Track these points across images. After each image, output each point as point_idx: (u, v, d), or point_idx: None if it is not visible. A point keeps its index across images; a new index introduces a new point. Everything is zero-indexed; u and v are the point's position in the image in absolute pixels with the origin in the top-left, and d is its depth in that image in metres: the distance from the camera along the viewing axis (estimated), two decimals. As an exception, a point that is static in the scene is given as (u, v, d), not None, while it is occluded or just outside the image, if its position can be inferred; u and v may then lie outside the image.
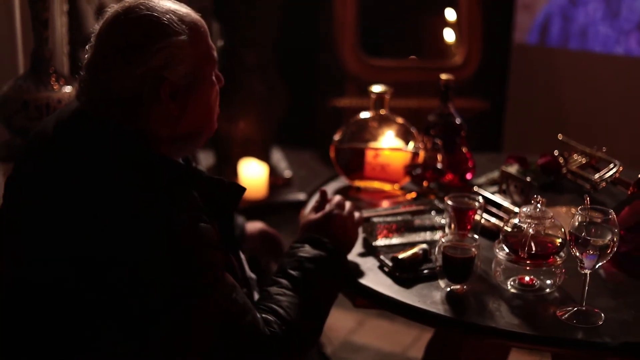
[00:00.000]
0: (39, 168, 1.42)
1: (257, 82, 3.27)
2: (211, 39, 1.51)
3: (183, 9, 1.45)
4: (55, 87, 2.39)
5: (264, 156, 3.44)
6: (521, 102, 4.09)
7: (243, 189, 1.54)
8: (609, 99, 3.80)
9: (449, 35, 4.06)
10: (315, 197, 1.83)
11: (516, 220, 1.62)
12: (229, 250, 1.54)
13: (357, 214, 1.75)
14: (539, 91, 4.01)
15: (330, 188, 2.12)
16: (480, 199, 1.74)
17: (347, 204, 1.74)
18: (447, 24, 4.06)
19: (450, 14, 4.04)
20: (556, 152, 2.21)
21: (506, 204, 1.91)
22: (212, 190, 1.47)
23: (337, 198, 1.74)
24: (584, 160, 2.19)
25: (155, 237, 1.31)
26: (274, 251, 2.05)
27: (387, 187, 2.13)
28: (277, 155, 3.75)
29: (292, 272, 1.56)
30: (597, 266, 1.50)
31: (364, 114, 2.16)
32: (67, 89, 2.41)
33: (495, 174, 2.19)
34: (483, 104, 3.92)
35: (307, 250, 1.60)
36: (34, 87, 2.36)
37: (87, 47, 1.44)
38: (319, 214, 1.70)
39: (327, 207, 1.71)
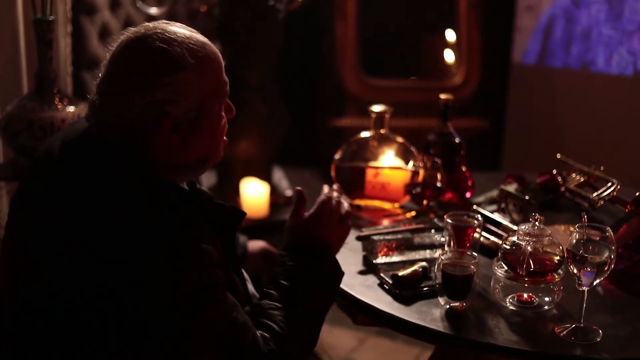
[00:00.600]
0: (46, 187, 1.44)
1: (259, 103, 3.30)
2: None
3: (199, 40, 1.45)
4: (59, 107, 2.41)
5: (265, 175, 3.46)
6: (520, 121, 4.11)
7: (243, 214, 1.55)
8: (607, 118, 3.82)
9: (449, 56, 4.10)
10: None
11: (515, 238, 1.63)
12: (232, 269, 1.55)
13: (345, 205, 1.71)
14: (537, 110, 4.04)
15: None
16: (479, 217, 1.76)
17: (333, 198, 1.69)
18: (446, 44, 4.10)
19: (449, 35, 4.08)
20: (554, 171, 2.23)
21: (505, 222, 1.93)
22: (214, 213, 1.49)
23: (322, 197, 1.69)
24: (582, 179, 2.21)
25: (157, 255, 1.32)
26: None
27: (387, 205, 2.15)
28: (278, 174, 3.77)
29: (282, 282, 1.54)
30: (594, 283, 1.52)
31: (365, 134, 2.18)
32: (71, 108, 2.43)
33: (494, 193, 2.21)
34: (482, 123, 3.96)
35: (294, 258, 1.58)
36: (38, 107, 2.38)
37: (101, 65, 1.46)
38: (305, 217, 1.66)
39: (313, 209, 1.67)
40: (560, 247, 1.62)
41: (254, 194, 3.30)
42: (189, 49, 1.42)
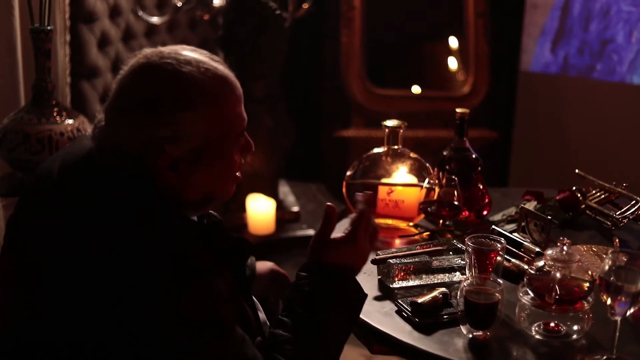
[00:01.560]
0: (44, 214, 1.36)
1: (265, 115, 3.19)
2: None
3: (216, 73, 1.34)
4: (57, 120, 2.35)
5: (271, 191, 3.36)
6: (528, 131, 4.03)
7: (251, 247, 1.45)
8: (620, 128, 3.73)
9: (457, 65, 4.01)
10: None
11: (541, 263, 1.55)
12: (242, 297, 1.46)
13: (374, 222, 1.55)
14: (546, 120, 3.96)
15: (340, 225, 2.03)
16: (502, 239, 1.67)
17: (366, 216, 1.53)
18: (454, 53, 4.01)
19: (457, 44, 3.99)
20: (574, 187, 2.14)
21: (526, 242, 1.84)
22: (222, 242, 1.40)
23: (356, 215, 1.53)
24: (602, 196, 2.12)
25: (162, 289, 1.24)
26: (282, 292, 1.97)
27: (401, 224, 2.06)
28: (284, 189, 3.68)
29: (298, 310, 1.44)
30: (628, 313, 1.43)
31: (377, 149, 2.09)
32: (70, 121, 2.37)
33: (511, 210, 2.12)
34: (490, 134, 3.86)
35: (313, 282, 1.46)
36: (35, 120, 2.33)
37: (112, 82, 1.37)
38: (334, 239, 1.50)
39: (346, 231, 1.52)
40: (590, 273, 1.54)
41: (259, 211, 3.20)
42: (201, 85, 1.32)
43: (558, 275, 1.51)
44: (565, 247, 1.53)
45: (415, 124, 3.68)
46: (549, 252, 1.54)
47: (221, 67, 1.37)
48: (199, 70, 1.33)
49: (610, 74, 3.67)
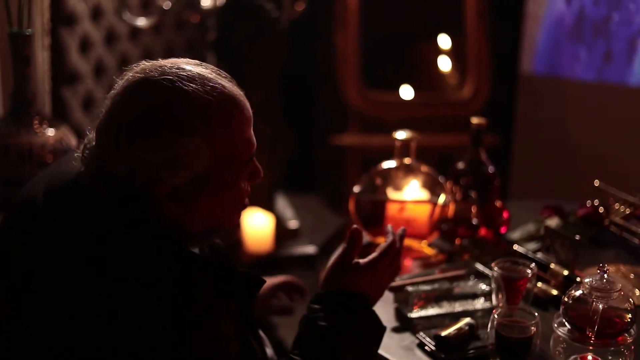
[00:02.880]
0: (28, 246, 1.20)
1: (262, 123, 3.01)
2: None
3: (222, 92, 1.18)
4: (37, 131, 2.20)
5: (269, 204, 3.18)
6: (530, 135, 3.90)
7: (261, 282, 1.30)
8: (625, 132, 3.60)
9: (456, 68, 3.87)
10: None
11: (578, 293, 1.40)
12: (249, 333, 1.33)
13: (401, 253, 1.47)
14: (549, 124, 3.83)
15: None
16: (533, 264, 1.52)
17: (395, 247, 1.45)
18: (453, 56, 3.86)
19: (456, 46, 3.84)
20: (596, 202, 2.00)
21: (554, 265, 1.70)
22: (228, 276, 1.25)
23: (385, 244, 1.43)
24: (627, 210, 1.98)
25: (164, 331, 1.10)
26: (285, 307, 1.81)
27: (414, 244, 1.91)
28: (282, 203, 3.50)
29: (311, 347, 1.31)
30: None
31: (387, 163, 1.94)
32: (51, 132, 2.22)
33: (530, 227, 1.98)
34: (491, 139, 3.72)
35: (329, 316, 1.34)
36: (15, 131, 2.17)
37: (106, 97, 1.21)
38: (357, 264, 1.40)
39: (371, 257, 1.42)
40: (631, 301, 1.39)
41: (257, 226, 3.02)
42: (206, 106, 1.16)
43: (600, 306, 1.36)
44: (605, 275, 1.39)
45: (415, 129, 3.52)
46: (587, 279, 1.40)
47: (229, 85, 1.21)
48: (204, 88, 1.17)
49: (627, 25, 3.46)
